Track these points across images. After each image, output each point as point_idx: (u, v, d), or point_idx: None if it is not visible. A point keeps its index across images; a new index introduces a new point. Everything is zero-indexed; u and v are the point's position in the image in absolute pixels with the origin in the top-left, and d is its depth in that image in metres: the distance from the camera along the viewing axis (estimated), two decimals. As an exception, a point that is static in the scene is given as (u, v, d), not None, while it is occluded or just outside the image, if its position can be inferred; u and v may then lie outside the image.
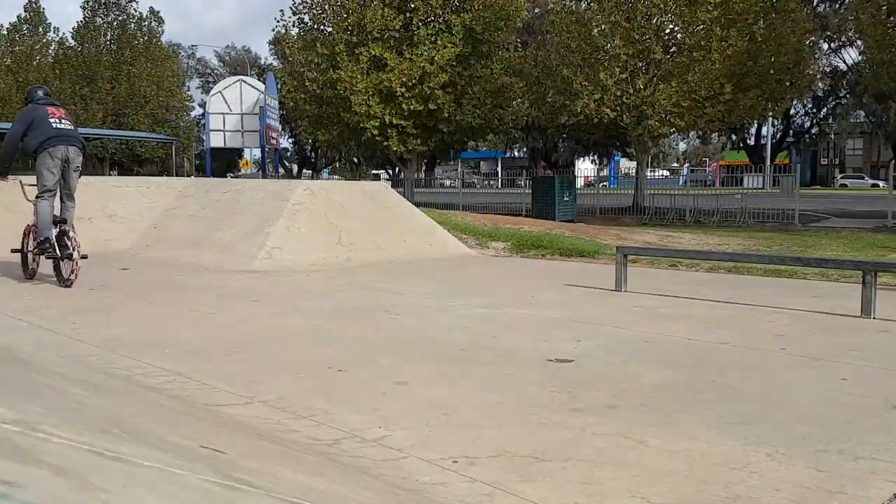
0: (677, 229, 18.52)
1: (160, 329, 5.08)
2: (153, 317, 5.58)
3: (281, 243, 9.24)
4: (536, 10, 41.21)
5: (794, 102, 40.01)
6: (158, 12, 48.37)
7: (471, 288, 7.36)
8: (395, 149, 25.24)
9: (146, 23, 47.60)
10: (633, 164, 32.39)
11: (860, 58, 32.42)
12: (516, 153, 67.09)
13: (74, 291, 6.72)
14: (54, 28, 49.57)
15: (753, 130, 51.30)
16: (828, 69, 44.65)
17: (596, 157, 54.31)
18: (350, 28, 24.64)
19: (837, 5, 41.10)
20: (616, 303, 6.42)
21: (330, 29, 25.53)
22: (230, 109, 27.14)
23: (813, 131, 56.83)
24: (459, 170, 34.45)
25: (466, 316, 5.69)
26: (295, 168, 68.43)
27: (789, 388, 3.71)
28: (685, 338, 4.91)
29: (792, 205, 20.74)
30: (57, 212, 7.06)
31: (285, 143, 59.22)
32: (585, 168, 52.12)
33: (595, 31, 23.47)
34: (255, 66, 59.69)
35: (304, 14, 26.25)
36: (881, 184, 47.31)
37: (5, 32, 48.33)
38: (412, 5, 24.53)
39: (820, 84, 42.05)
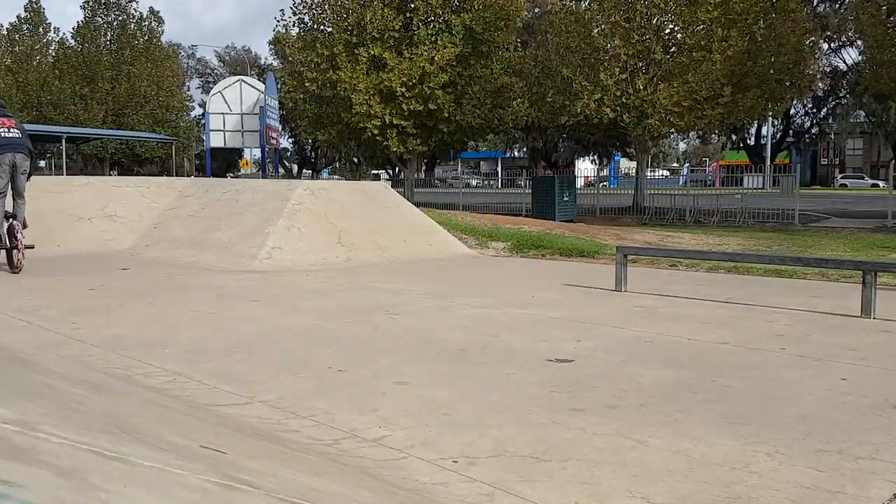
0: (677, 229, 18.51)
1: (160, 329, 5.08)
2: (153, 317, 5.58)
3: (281, 243, 9.24)
4: (536, 10, 41.19)
5: (794, 102, 40.00)
6: (158, 12, 48.49)
7: (471, 288, 7.36)
8: (394, 149, 25.23)
9: (146, 23, 47.64)
10: (633, 164, 32.40)
11: (860, 58, 32.45)
12: (516, 153, 67.08)
13: (74, 291, 6.74)
14: (54, 28, 49.76)
15: (753, 130, 51.27)
16: (828, 69, 44.62)
17: (596, 157, 54.24)
18: (350, 28, 24.63)
19: (837, 5, 41.05)
20: (616, 303, 6.42)
21: (330, 29, 25.53)
22: (230, 109, 27.17)
23: (813, 131, 56.80)
24: (459, 169, 34.47)
25: (466, 316, 5.69)
26: (295, 168, 68.42)
27: (789, 388, 3.71)
28: (685, 338, 4.91)
29: (792, 205, 20.73)
30: (9, 208, 8.06)
31: (285, 143, 59.24)
32: (585, 168, 52.08)
33: (595, 31, 23.47)
34: (255, 66, 59.70)
35: (304, 14, 26.26)
36: (881, 184, 47.35)
37: (5, 32, 48.35)
38: (412, 5, 24.52)
39: (820, 84, 41.98)
